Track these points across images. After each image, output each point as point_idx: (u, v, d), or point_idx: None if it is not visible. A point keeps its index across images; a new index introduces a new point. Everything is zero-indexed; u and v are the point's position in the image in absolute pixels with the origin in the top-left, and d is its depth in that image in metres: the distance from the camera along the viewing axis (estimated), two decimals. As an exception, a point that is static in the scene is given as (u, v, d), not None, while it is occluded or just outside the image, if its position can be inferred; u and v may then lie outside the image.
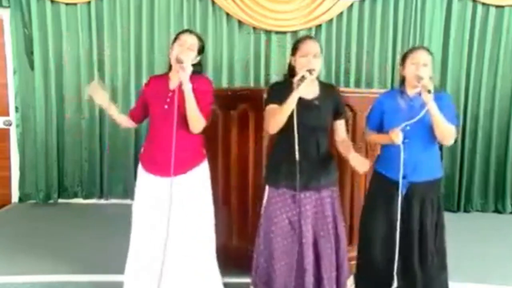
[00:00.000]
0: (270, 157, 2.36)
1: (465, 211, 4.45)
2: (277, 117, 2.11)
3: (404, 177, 2.21)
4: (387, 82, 4.36)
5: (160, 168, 2.22)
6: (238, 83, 4.40)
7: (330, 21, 4.35)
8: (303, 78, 2.05)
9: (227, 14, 4.33)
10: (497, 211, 4.48)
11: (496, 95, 4.37)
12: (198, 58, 2.27)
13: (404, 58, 2.30)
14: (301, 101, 2.13)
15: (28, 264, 2.97)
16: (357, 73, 4.43)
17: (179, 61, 2.11)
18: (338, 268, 2.24)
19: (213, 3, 4.31)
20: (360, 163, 2.16)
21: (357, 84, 4.41)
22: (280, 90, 2.14)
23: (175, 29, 4.31)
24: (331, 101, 2.24)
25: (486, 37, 4.32)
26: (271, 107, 2.16)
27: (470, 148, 4.43)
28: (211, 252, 2.37)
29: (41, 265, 2.96)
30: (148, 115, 2.32)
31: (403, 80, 2.34)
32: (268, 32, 4.35)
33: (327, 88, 2.30)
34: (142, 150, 2.37)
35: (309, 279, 2.16)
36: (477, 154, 4.42)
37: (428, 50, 2.30)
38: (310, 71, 2.08)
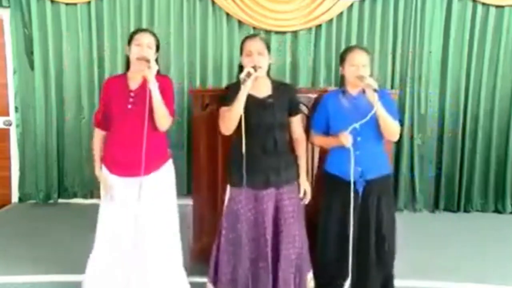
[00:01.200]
0: (229, 158, 2.38)
1: (465, 211, 4.44)
2: (226, 117, 2.16)
3: (360, 176, 2.25)
4: (387, 82, 4.36)
5: (124, 169, 2.22)
6: (225, 85, 4.39)
7: (330, 21, 4.34)
8: (249, 74, 2.10)
9: (227, 14, 4.33)
10: (497, 211, 4.47)
11: (496, 95, 4.37)
12: (156, 56, 2.29)
13: (342, 59, 2.35)
14: (254, 100, 2.19)
15: (28, 264, 2.98)
16: (357, 73, 4.42)
17: (144, 60, 2.13)
18: (297, 263, 2.27)
19: (213, 3, 4.31)
20: (306, 189, 2.32)
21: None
22: (233, 92, 2.17)
23: (175, 29, 4.32)
24: (285, 98, 2.28)
25: (486, 37, 4.32)
26: (223, 108, 2.21)
27: (470, 148, 4.43)
28: (178, 251, 2.39)
29: (41, 265, 2.96)
30: (109, 117, 2.30)
31: (343, 80, 2.38)
32: (268, 32, 4.35)
33: (280, 86, 2.34)
34: (103, 152, 2.36)
35: (268, 275, 2.21)
36: (477, 154, 4.41)
37: (365, 49, 2.36)
38: (255, 68, 2.13)
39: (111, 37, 4.36)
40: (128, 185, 2.23)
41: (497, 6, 4.29)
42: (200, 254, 2.84)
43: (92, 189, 4.50)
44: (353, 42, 4.34)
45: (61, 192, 4.53)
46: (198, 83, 4.35)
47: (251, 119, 2.18)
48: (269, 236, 2.21)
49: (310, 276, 2.36)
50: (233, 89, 2.22)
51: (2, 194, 4.51)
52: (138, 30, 2.34)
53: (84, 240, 3.45)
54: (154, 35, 2.31)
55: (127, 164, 2.21)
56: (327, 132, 2.38)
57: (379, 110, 2.16)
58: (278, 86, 2.32)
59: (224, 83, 4.35)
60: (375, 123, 2.21)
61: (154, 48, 2.27)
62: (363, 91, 2.22)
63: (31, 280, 2.76)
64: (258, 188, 2.23)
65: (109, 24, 4.35)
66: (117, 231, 2.27)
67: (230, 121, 2.16)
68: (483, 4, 4.28)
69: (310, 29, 4.35)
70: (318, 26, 4.36)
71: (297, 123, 2.35)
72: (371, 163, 2.27)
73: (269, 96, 2.26)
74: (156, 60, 2.27)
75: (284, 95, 2.29)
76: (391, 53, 4.35)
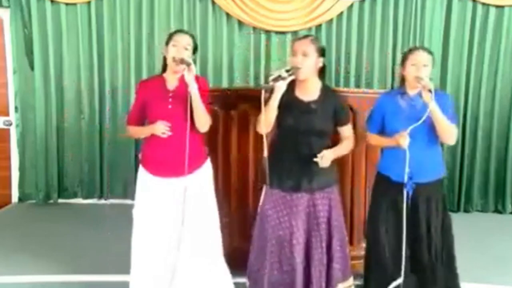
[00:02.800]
0: (267, 157, 2.36)
1: (465, 211, 4.45)
2: (261, 117, 2.12)
3: (410, 178, 2.20)
4: (387, 82, 4.36)
5: (169, 169, 2.21)
6: (238, 83, 4.40)
7: (330, 21, 4.35)
8: (279, 77, 2.05)
9: (227, 14, 4.33)
10: (497, 211, 4.48)
11: (496, 95, 4.37)
12: (193, 57, 2.27)
13: (404, 58, 2.30)
14: (297, 102, 2.15)
15: (28, 264, 2.97)
16: (357, 73, 4.43)
17: (183, 62, 2.11)
18: (329, 269, 2.23)
19: (213, 3, 4.31)
20: (326, 155, 2.11)
21: (357, 84, 4.41)
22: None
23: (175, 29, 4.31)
24: (331, 106, 2.21)
25: (486, 37, 4.32)
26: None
27: (470, 148, 4.43)
28: (220, 251, 2.38)
29: (41, 265, 2.96)
30: (146, 119, 2.29)
31: (403, 81, 2.33)
32: (268, 32, 4.35)
33: (328, 92, 2.26)
34: (142, 153, 2.34)
35: (300, 279, 2.17)
36: (477, 154, 4.42)
37: (428, 50, 2.30)
38: (290, 71, 2.07)
39: (111, 37, 4.36)
40: (172, 186, 2.21)
41: (497, 6, 4.29)
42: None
43: (92, 189, 4.52)
44: (353, 42, 4.35)
45: (61, 192, 4.53)
46: (198, 83, 4.35)
47: (288, 121, 2.14)
48: (296, 240, 2.17)
49: (349, 282, 2.32)
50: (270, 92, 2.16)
51: (2, 194, 4.51)
52: (177, 31, 2.32)
53: (84, 240, 3.47)
54: (192, 36, 2.29)
55: (171, 165, 2.20)
56: (382, 132, 2.34)
57: (433, 111, 2.11)
58: (326, 92, 2.24)
59: (224, 83, 4.36)
60: (430, 126, 2.17)
61: (191, 49, 2.25)
62: (420, 94, 2.17)
63: (31, 280, 2.76)
64: (288, 191, 2.19)
65: (109, 24, 4.36)
66: (160, 233, 2.23)
67: (263, 122, 2.11)
68: (483, 4, 4.29)
69: (310, 29, 4.36)
70: (318, 26, 4.37)
71: (345, 132, 2.27)
72: (423, 166, 2.21)
73: (314, 102, 2.18)
74: (194, 62, 2.24)
75: (330, 102, 2.21)
76: (391, 53, 4.35)
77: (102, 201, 4.54)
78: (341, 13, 4.33)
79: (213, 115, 2.75)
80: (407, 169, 2.17)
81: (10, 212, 4.33)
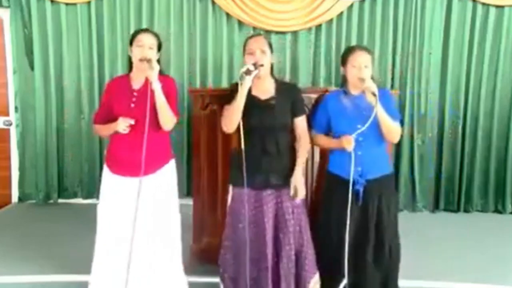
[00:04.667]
0: (231, 157, 2.38)
1: (465, 211, 4.44)
2: (228, 115, 2.17)
3: (360, 175, 2.25)
4: (387, 82, 4.36)
5: (128, 168, 2.23)
6: (232, 83, 4.39)
7: (330, 21, 4.34)
8: (248, 71, 2.10)
9: (227, 14, 4.33)
10: (497, 211, 4.47)
11: (496, 95, 4.37)
12: (158, 56, 2.30)
13: (344, 59, 2.33)
14: (256, 101, 2.19)
15: (28, 264, 2.98)
16: (357, 73, 4.42)
17: (146, 60, 2.14)
18: (298, 266, 2.26)
19: (213, 3, 4.31)
20: (297, 186, 2.22)
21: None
22: (236, 90, 2.15)
23: (175, 29, 4.32)
24: (288, 99, 2.26)
25: (486, 37, 4.31)
26: (226, 107, 2.22)
27: (470, 148, 4.42)
28: (178, 251, 2.40)
29: (41, 265, 2.96)
30: (110, 117, 2.30)
31: (344, 80, 2.37)
32: (268, 32, 4.35)
33: (284, 87, 2.33)
34: (106, 151, 2.38)
35: (269, 275, 2.21)
36: (477, 154, 4.41)
37: (367, 49, 2.33)
38: (255, 65, 2.13)
39: (111, 37, 4.36)
40: (129, 185, 2.23)
41: (497, 6, 4.29)
42: (200, 254, 2.85)
43: (92, 189, 4.51)
44: (353, 42, 4.34)
45: (61, 192, 4.53)
46: (198, 83, 4.35)
47: (252, 120, 2.18)
48: (269, 237, 2.21)
49: (315, 279, 2.34)
50: (237, 88, 2.20)
51: (2, 194, 4.51)
52: (140, 31, 2.34)
53: (84, 240, 3.45)
54: (155, 35, 2.32)
55: (129, 164, 2.21)
56: (327, 132, 2.39)
57: (379, 112, 2.17)
58: (281, 87, 2.31)
59: (224, 83, 4.35)
60: (377, 124, 2.21)
61: (155, 48, 2.28)
62: (364, 92, 2.22)
63: (31, 280, 2.76)
64: (258, 188, 2.23)
65: (109, 24, 4.36)
66: (117, 232, 2.27)
67: (231, 120, 2.17)
68: (483, 4, 4.28)
69: (310, 29, 4.36)
70: (318, 26, 4.36)
71: (301, 123, 2.32)
72: (372, 163, 2.27)
73: (272, 98, 2.25)
74: (158, 60, 2.28)
75: (287, 96, 2.28)
76: (391, 53, 4.35)
77: (102, 201, 4.54)
78: (341, 13, 4.32)
79: (213, 115, 2.77)
80: (352, 169, 2.21)
81: (10, 212, 4.33)
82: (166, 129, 2.25)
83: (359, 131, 2.20)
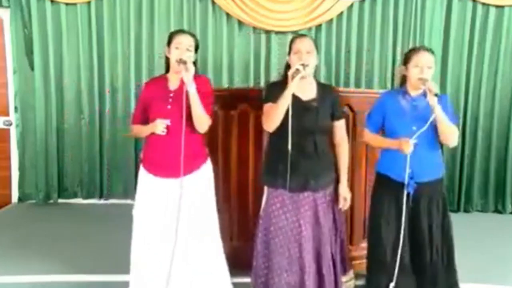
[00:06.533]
0: (267, 157, 2.35)
1: (465, 211, 4.45)
2: (272, 114, 2.12)
3: (411, 178, 2.19)
4: (387, 82, 4.36)
5: (167, 170, 2.21)
6: (238, 83, 4.40)
7: (330, 21, 4.35)
8: (297, 71, 2.07)
9: (227, 14, 4.33)
10: (497, 211, 4.48)
11: (496, 95, 4.37)
12: (195, 57, 2.28)
13: (407, 58, 2.28)
14: (298, 102, 2.15)
15: (28, 264, 2.97)
16: (357, 73, 4.42)
17: (182, 62, 2.12)
18: (335, 267, 2.25)
19: (213, 3, 4.31)
20: (346, 197, 2.28)
21: (357, 84, 4.41)
22: (277, 89, 2.14)
23: (175, 29, 4.30)
24: (329, 102, 2.24)
25: (486, 37, 4.32)
26: (268, 105, 2.18)
27: (470, 148, 4.43)
28: (220, 251, 2.37)
29: (41, 265, 2.96)
30: (147, 118, 2.30)
31: (404, 81, 2.32)
32: (268, 32, 4.35)
33: (325, 89, 2.30)
34: (143, 153, 2.35)
35: (309, 280, 2.16)
36: (477, 154, 4.42)
37: (431, 50, 2.28)
38: (303, 65, 2.10)
39: (111, 37, 4.36)
40: (169, 186, 2.21)
41: (497, 6, 4.29)
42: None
43: (92, 189, 4.52)
44: (353, 42, 4.35)
45: (61, 192, 4.53)
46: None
47: (292, 120, 2.13)
48: (305, 240, 2.16)
49: (349, 276, 2.33)
50: (276, 87, 2.18)
51: (2, 194, 4.51)
52: (178, 31, 2.32)
53: (84, 240, 3.47)
54: (193, 35, 2.30)
55: (167, 165, 2.19)
56: (382, 132, 2.34)
57: (439, 115, 2.11)
58: (323, 89, 2.28)
59: (224, 83, 4.36)
60: (432, 127, 2.17)
61: (193, 49, 2.25)
62: (424, 94, 2.17)
63: (31, 280, 2.76)
64: (295, 191, 2.18)
65: (109, 24, 4.36)
66: (159, 233, 2.23)
67: (275, 118, 2.11)
68: (483, 4, 4.29)
69: (310, 29, 4.36)
70: (318, 26, 4.37)
71: (340, 128, 2.29)
72: (424, 166, 2.21)
73: (314, 99, 2.22)
74: (196, 61, 2.26)
75: (328, 98, 2.25)
76: (391, 53, 4.35)
77: (102, 201, 4.54)
78: (341, 13, 4.32)
79: (213, 115, 2.76)
80: (407, 170, 2.17)
81: (10, 212, 4.33)
82: (200, 131, 2.23)
83: (418, 133, 2.13)
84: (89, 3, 4.33)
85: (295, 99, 2.14)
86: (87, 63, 4.39)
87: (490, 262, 3.19)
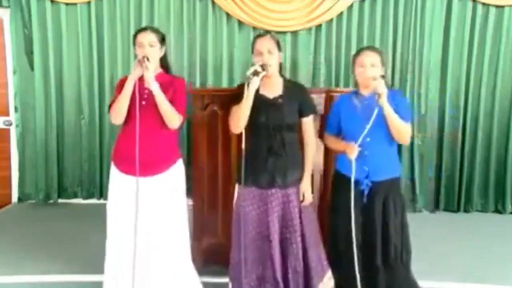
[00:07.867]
0: (239, 156, 2.37)
1: (465, 211, 4.44)
2: (235, 116, 2.17)
3: (366, 177, 2.24)
4: (387, 82, 4.35)
5: (132, 166, 2.21)
6: (238, 83, 4.39)
7: (330, 21, 4.34)
8: (255, 72, 2.10)
9: (227, 14, 4.33)
10: (497, 211, 4.47)
11: (496, 95, 4.37)
12: (163, 50, 2.30)
13: (352, 61, 2.34)
14: (263, 100, 2.20)
15: (28, 264, 2.98)
16: (357, 73, 4.42)
17: (141, 61, 2.14)
18: (307, 267, 2.26)
19: (213, 3, 4.31)
20: (305, 192, 2.26)
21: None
22: (243, 91, 2.15)
23: (175, 29, 4.32)
24: (296, 99, 2.27)
25: (486, 37, 4.31)
26: (234, 107, 2.22)
27: (470, 148, 4.42)
28: (186, 251, 2.39)
29: (41, 265, 2.97)
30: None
31: (356, 82, 2.37)
32: (268, 32, 4.34)
33: (292, 86, 2.33)
34: (113, 149, 2.36)
35: (278, 274, 2.21)
36: (477, 154, 4.41)
37: (376, 49, 2.33)
38: (263, 66, 2.13)
39: (111, 37, 4.36)
40: (131, 183, 2.22)
41: (497, 6, 4.29)
42: (200, 254, 2.84)
43: (92, 189, 4.52)
44: (353, 42, 4.34)
45: (61, 192, 4.53)
46: (198, 83, 4.35)
47: (260, 118, 2.18)
48: (273, 236, 2.20)
49: (328, 276, 2.34)
50: (242, 88, 2.19)
51: (2, 194, 4.51)
52: (139, 30, 2.32)
53: (84, 240, 3.47)
54: (154, 30, 2.30)
55: (132, 162, 2.20)
56: (338, 133, 2.38)
57: (386, 111, 2.14)
58: (289, 86, 2.31)
59: (224, 83, 4.36)
60: (386, 125, 2.19)
61: (157, 44, 2.26)
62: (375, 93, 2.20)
63: (31, 280, 2.76)
64: (263, 187, 2.22)
65: (109, 24, 4.36)
66: (124, 230, 2.25)
67: (239, 120, 2.16)
68: (483, 4, 4.28)
69: (310, 29, 4.36)
70: (318, 26, 4.36)
71: (307, 124, 2.31)
72: (379, 164, 2.25)
73: (280, 96, 2.25)
74: (165, 55, 2.29)
75: (295, 95, 2.28)
76: (391, 53, 4.35)
77: (102, 201, 4.53)
78: (341, 13, 4.32)
79: (213, 115, 2.76)
80: (353, 174, 2.21)
81: (10, 212, 4.33)
82: (171, 127, 2.24)
83: (365, 131, 2.18)
84: (89, 3, 4.32)
85: (261, 97, 2.19)
86: (87, 63, 4.39)
87: (490, 262, 3.19)
